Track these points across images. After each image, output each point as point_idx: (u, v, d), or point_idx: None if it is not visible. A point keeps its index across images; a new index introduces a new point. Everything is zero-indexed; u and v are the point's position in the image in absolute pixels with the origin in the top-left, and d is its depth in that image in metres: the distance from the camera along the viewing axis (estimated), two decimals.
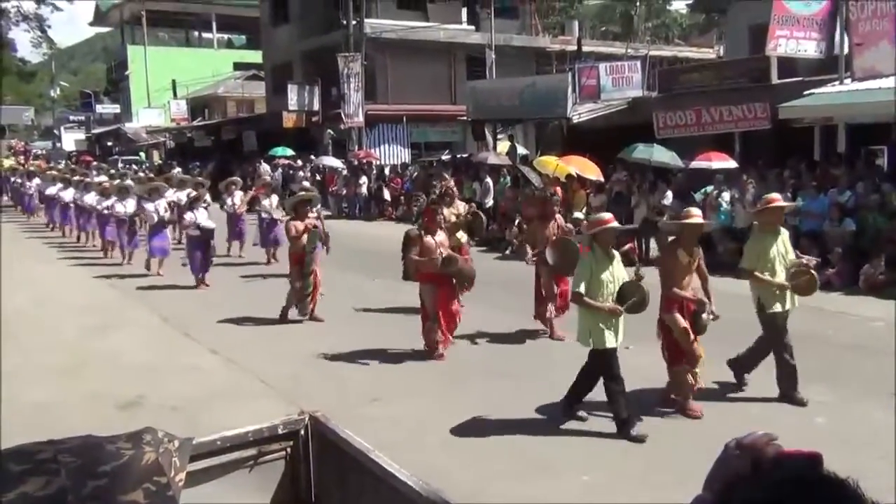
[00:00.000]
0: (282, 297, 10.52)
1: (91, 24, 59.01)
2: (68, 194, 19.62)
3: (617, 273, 6.31)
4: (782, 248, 6.93)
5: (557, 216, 9.72)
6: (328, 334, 9.62)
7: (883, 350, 7.97)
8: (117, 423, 2.63)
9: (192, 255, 12.80)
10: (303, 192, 11.56)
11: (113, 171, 26.55)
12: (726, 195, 14.01)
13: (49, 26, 41.03)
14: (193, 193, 13.63)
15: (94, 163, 35.68)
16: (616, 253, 6.48)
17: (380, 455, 2.75)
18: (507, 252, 15.64)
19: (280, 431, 3.07)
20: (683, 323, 6.47)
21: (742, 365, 7.17)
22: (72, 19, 56.71)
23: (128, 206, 15.28)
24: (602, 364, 6.25)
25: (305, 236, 10.07)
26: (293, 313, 10.34)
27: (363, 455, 2.80)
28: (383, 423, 6.21)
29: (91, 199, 17.16)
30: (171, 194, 15.75)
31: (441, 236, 8.50)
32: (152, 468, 1.42)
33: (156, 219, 14.06)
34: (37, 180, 25.75)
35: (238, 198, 16.29)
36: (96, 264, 15.87)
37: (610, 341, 6.18)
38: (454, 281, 8.48)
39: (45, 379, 7.82)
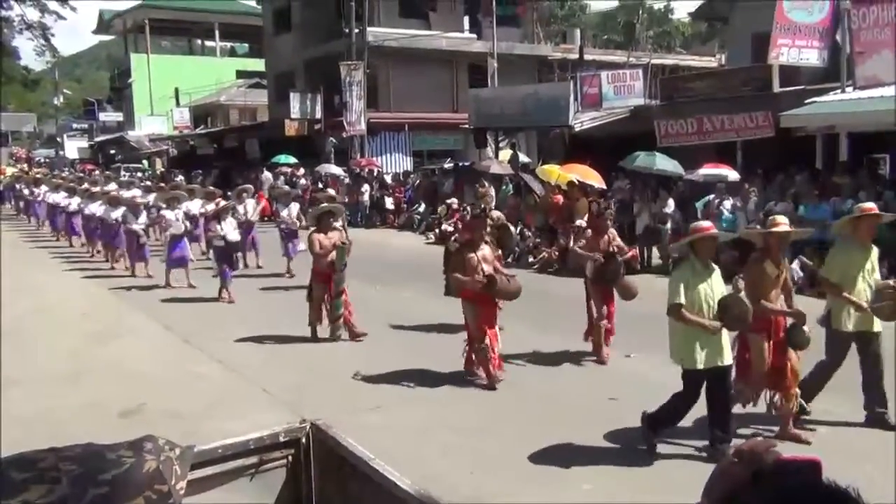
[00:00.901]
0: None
1: (94, 32, 59.29)
2: (74, 203, 19.24)
3: (716, 286, 5.84)
4: (869, 264, 6.41)
5: (611, 230, 9.25)
6: (329, 342, 9.62)
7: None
8: (119, 431, 2.63)
9: (220, 265, 12.33)
10: (326, 203, 10.87)
11: (123, 179, 26.10)
12: (728, 203, 14.02)
13: (52, 34, 41.07)
14: (222, 203, 13.21)
15: (105, 171, 35.55)
16: (715, 265, 5.98)
17: (381, 463, 2.75)
18: (509, 260, 15.61)
19: (281, 439, 3.07)
20: (765, 348, 6.07)
21: (805, 390, 6.39)
22: (75, 28, 56.83)
23: (140, 218, 14.95)
24: (689, 385, 5.84)
25: (333, 253, 9.40)
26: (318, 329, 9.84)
27: (364, 463, 2.79)
28: (385, 431, 6.20)
29: (95, 208, 16.77)
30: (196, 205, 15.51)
31: (485, 250, 7.92)
32: (153, 476, 1.43)
33: (181, 229, 13.65)
34: (44, 188, 25.07)
35: (251, 206, 15.92)
36: (108, 276, 15.44)
37: (704, 361, 5.71)
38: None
39: (47, 386, 7.82)
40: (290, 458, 3.10)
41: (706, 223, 6.20)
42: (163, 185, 22.38)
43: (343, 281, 9.48)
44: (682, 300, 5.67)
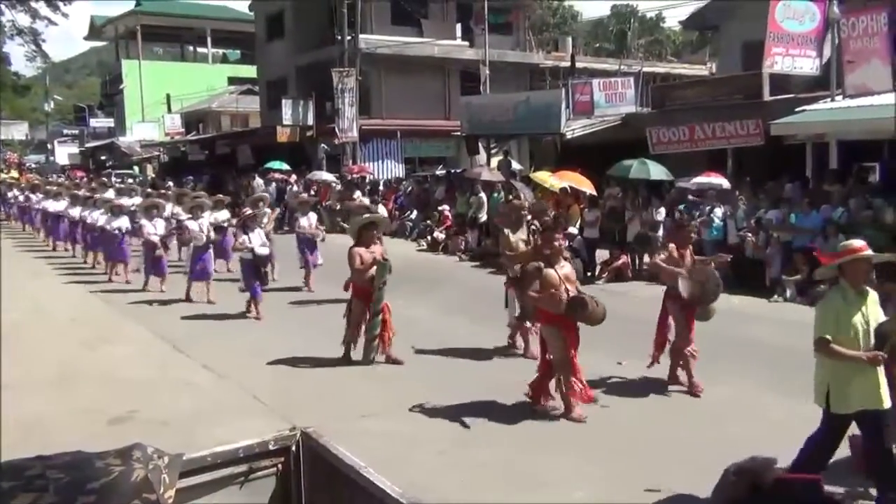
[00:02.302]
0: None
1: (86, 38, 59.26)
2: (75, 211, 18.23)
3: (872, 315, 4.99)
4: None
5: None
6: (319, 350, 9.59)
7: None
8: (108, 439, 2.62)
9: (249, 280, 11.41)
10: (368, 214, 10.20)
11: (122, 186, 24.80)
12: (719, 211, 14.07)
13: (44, 40, 41.12)
14: (248, 211, 12.09)
15: (101, 178, 35.13)
16: (870, 290, 5.15)
17: (371, 471, 2.74)
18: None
19: (271, 447, 3.05)
20: None
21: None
22: (67, 33, 56.96)
23: (158, 228, 13.94)
24: (831, 429, 5.04)
25: (374, 268, 8.64)
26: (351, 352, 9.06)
27: (355, 471, 2.78)
28: (375, 439, 6.19)
29: (97, 216, 15.95)
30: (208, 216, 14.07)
31: (566, 268, 7.10)
32: (141, 485, 1.41)
33: (203, 239, 12.74)
34: (40, 194, 24.09)
35: (266, 216, 14.57)
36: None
37: (857, 402, 4.90)
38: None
39: (35, 393, 7.77)
40: (279, 466, 3.08)
41: (858, 242, 5.16)
42: (164, 191, 21.36)
43: (382, 299, 8.76)
44: (830, 333, 4.90)
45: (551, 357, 6.97)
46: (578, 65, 32.72)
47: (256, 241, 11.39)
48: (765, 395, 7.30)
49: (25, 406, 7.21)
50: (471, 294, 12.02)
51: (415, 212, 22.38)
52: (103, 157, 52.37)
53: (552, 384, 7.01)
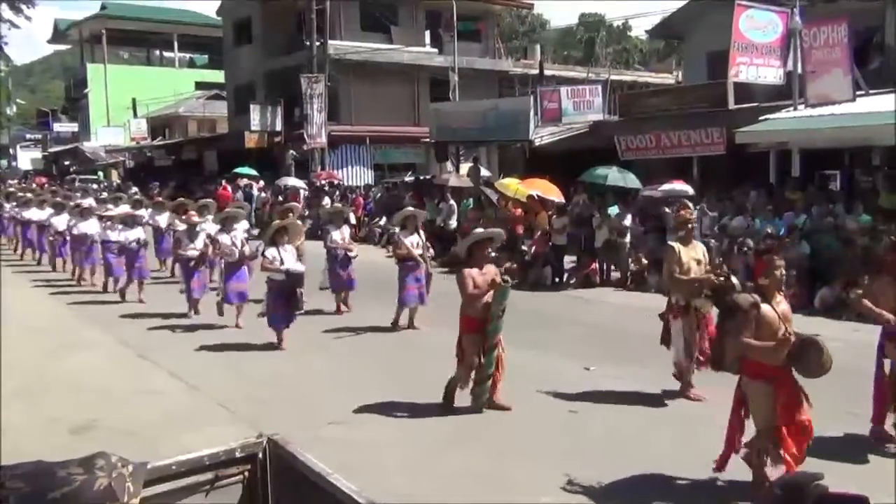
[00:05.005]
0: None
1: (50, 41, 58.33)
2: (61, 221, 16.44)
3: None
4: None
5: None
6: (288, 357, 9.54)
7: (843, 370, 8.09)
8: (70, 449, 2.58)
9: (273, 304, 9.79)
10: (480, 229, 8.57)
11: (105, 196, 23.00)
12: None
13: (6, 43, 40.44)
14: (277, 223, 10.40)
15: (77, 184, 34.07)
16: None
17: (339, 478, 2.72)
18: None
19: (237, 455, 3.02)
20: None
21: None
22: (30, 37, 56.22)
23: (197, 242, 12.01)
24: None
25: (490, 293, 7.10)
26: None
27: (322, 478, 2.77)
28: (343, 446, 6.16)
29: (88, 227, 14.90)
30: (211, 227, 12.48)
31: (783, 304, 5.32)
32: (105, 494, 1.40)
33: (236, 254, 11.05)
34: (13, 203, 22.23)
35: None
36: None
37: None
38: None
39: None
40: (246, 473, 3.05)
41: None
42: (161, 200, 19.48)
43: (499, 330, 7.19)
44: None
45: (750, 419, 5.32)
46: (547, 72, 33.04)
47: (289, 257, 9.75)
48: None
49: None
50: (440, 298, 12.02)
51: (384, 218, 22.34)
52: (67, 163, 51.64)
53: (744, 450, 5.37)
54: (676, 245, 7.43)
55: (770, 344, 4.99)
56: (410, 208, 11.57)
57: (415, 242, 10.90)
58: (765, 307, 5.12)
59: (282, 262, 9.59)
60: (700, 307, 7.21)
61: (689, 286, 7.18)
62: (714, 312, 6.44)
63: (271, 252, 9.66)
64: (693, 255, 7.36)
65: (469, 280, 7.02)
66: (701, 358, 7.22)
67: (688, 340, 7.30)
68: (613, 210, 15.24)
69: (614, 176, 16.32)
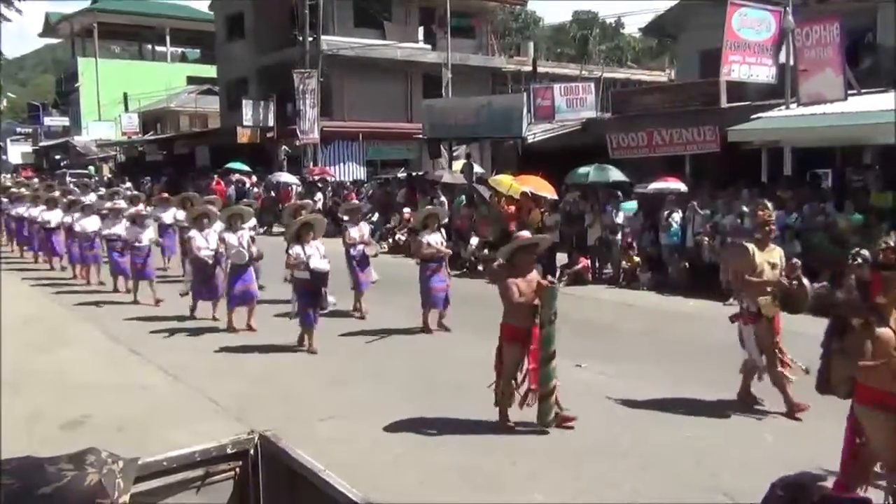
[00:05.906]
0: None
1: (40, 35, 58.03)
2: (54, 216, 16.10)
3: None
4: None
5: None
6: (277, 351, 9.52)
7: None
8: (60, 444, 2.56)
9: (302, 305, 9.48)
10: (526, 234, 7.81)
11: (102, 192, 22.28)
12: (677, 216, 14.24)
13: None
14: (301, 219, 9.91)
15: (69, 179, 33.49)
16: None
17: (330, 474, 2.72)
18: (465, 270, 15.66)
19: (228, 451, 3.01)
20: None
21: None
22: (21, 30, 55.84)
23: (210, 241, 11.20)
24: None
25: (535, 299, 6.61)
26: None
27: (313, 474, 2.76)
28: (335, 442, 6.16)
29: (90, 223, 14.45)
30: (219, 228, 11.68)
31: None
32: (95, 490, 1.39)
33: (244, 258, 10.56)
34: (5, 199, 21.79)
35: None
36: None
37: None
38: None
39: None
40: (237, 470, 3.05)
41: None
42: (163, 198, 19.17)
43: (554, 337, 6.64)
44: None
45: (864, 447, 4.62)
46: (540, 69, 33.03)
47: (315, 253, 9.39)
48: (724, 397, 7.38)
49: None
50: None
51: (376, 214, 22.32)
52: (57, 157, 51.41)
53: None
54: (751, 246, 7.04)
55: (875, 364, 4.38)
56: (430, 206, 11.10)
57: (437, 241, 10.76)
58: (882, 331, 4.42)
59: (307, 260, 9.27)
60: (763, 308, 6.88)
61: (759, 289, 6.86)
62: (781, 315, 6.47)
63: (296, 249, 9.35)
64: (768, 259, 6.99)
65: (514, 289, 6.59)
66: (786, 361, 6.89)
67: (761, 348, 6.97)
68: (631, 206, 15.35)
69: (595, 173, 16.41)
